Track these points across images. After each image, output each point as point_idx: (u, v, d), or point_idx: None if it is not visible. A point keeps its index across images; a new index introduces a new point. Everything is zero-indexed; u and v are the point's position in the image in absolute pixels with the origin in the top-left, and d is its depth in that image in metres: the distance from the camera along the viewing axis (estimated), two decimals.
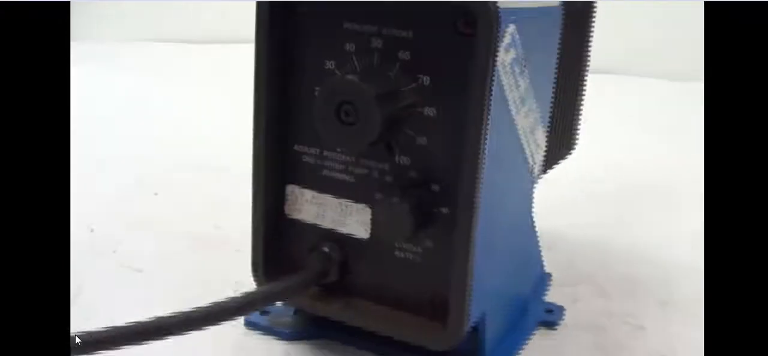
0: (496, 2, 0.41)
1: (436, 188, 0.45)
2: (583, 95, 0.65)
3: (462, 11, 0.41)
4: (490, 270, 0.47)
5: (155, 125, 1.11)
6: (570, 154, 0.65)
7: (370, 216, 0.47)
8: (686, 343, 0.56)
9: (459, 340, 0.45)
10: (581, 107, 0.65)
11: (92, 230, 0.70)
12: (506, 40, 0.42)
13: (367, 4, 0.44)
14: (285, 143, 0.49)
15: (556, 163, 0.62)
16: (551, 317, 0.57)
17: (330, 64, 0.46)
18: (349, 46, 0.45)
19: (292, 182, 0.49)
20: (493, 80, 0.41)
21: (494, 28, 0.40)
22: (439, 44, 0.43)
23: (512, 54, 0.44)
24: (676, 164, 1.00)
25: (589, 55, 0.63)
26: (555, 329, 0.57)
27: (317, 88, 0.46)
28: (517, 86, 0.46)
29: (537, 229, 0.59)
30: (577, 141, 0.66)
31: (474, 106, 0.41)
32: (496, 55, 0.41)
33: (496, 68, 0.41)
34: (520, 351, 0.53)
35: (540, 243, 0.61)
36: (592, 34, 0.62)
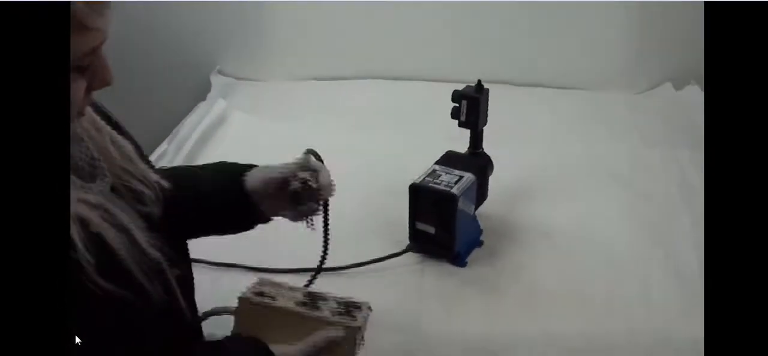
0: (455, 194, 2.16)
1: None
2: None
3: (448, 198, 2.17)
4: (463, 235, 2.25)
5: None
6: (484, 200, 2.41)
7: None
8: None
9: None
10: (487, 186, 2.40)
11: None
12: (460, 203, 2.18)
13: None
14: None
15: (480, 205, 2.38)
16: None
17: None
18: None
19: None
20: (457, 211, 2.17)
21: (456, 201, 2.16)
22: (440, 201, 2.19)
23: (462, 200, 2.19)
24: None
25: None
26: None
27: None
28: (466, 204, 2.22)
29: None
30: (486, 196, 2.41)
31: (450, 214, 2.19)
32: (458, 205, 2.17)
33: (458, 207, 2.17)
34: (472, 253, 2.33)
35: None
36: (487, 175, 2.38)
